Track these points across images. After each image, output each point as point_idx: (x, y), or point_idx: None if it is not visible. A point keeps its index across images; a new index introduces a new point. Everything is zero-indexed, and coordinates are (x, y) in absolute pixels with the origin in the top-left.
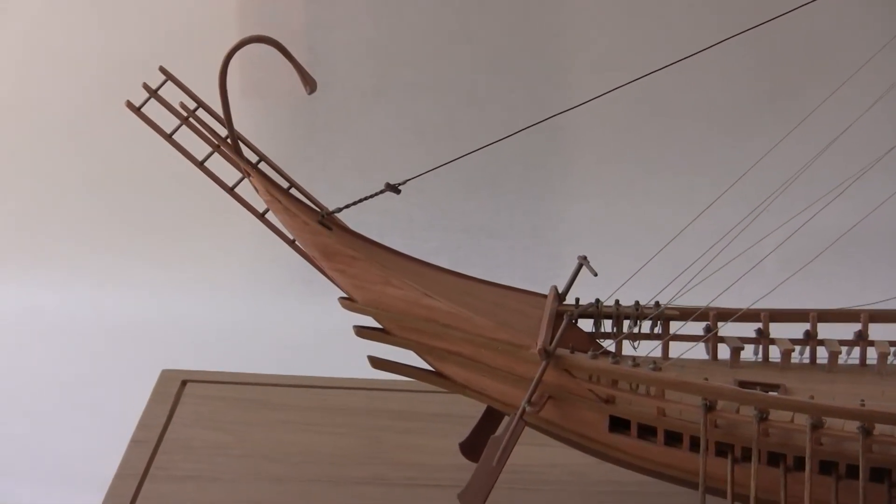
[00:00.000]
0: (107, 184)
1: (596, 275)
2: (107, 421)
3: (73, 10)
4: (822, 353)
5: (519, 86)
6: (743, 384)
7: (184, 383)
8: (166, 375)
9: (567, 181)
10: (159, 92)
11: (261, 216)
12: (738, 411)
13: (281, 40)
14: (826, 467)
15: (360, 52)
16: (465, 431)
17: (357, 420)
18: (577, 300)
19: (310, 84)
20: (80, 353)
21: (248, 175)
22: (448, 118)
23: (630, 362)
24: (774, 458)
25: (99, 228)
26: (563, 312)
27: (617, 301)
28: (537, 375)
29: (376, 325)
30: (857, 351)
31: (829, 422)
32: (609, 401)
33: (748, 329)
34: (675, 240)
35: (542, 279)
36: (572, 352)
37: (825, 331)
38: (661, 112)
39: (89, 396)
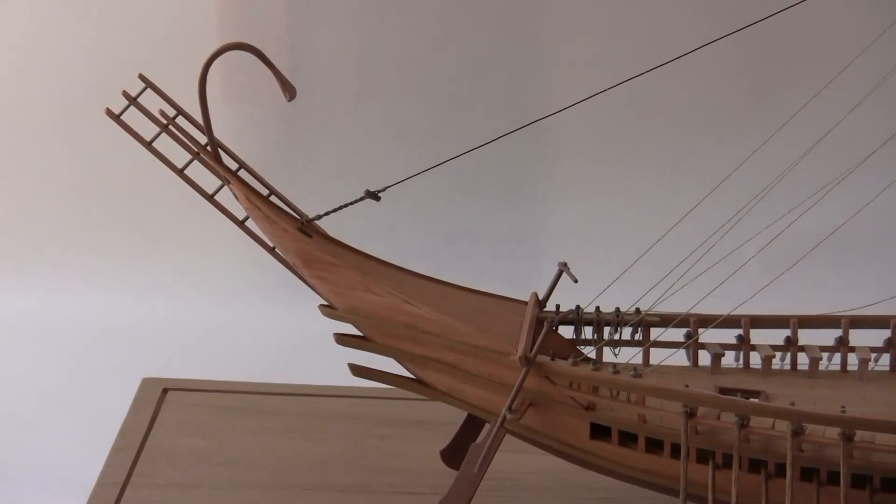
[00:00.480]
0: (90, 188)
1: (576, 281)
2: (89, 426)
3: (56, 15)
4: (804, 359)
5: (502, 89)
6: (724, 391)
7: (165, 391)
8: (147, 383)
9: (549, 185)
10: (139, 99)
11: (241, 223)
12: (718, 418)
13: (262, 44)
14: (807, 473)
15: (342, 55)
16: (446, 438)
17: (339, 427)
18: (558, 306)
19: (289, 91)
20: (63, 358)
21: (228, 182)
22: (431, 122)
23: (611, 369)
24: (756, 465)
25: (82, 232)
26: (543, 319)
27: (598, 307)
28: (518, 382)
29: (357, 332)
30: (838, 357)
31: (810, 428)
32: (590, 407)
33: (729, 335)
34: (657, 244)
35: (523, 285)
36: (553, 358)
37: (806, 336)
38: (644, 115)
39: (72, 401)
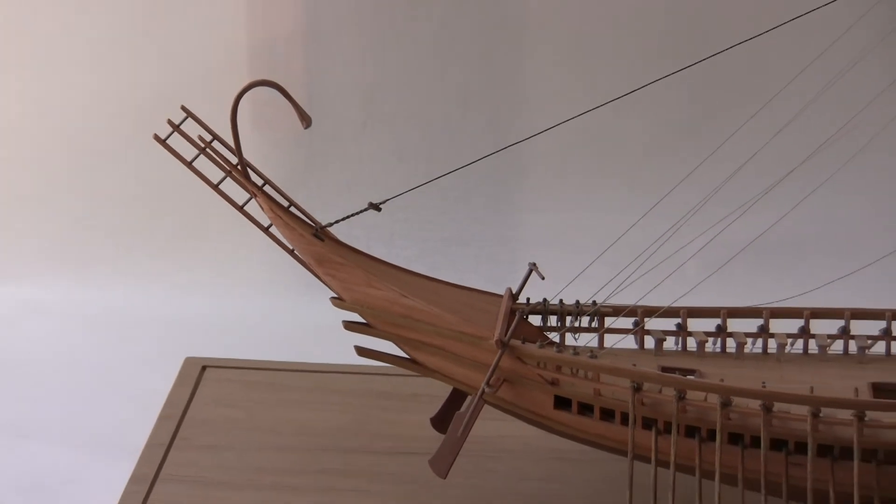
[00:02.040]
0: (141, 201)
1: (543, 278)
2: (141, 398)
3: (112, 55)
4: (732, 344)
5: (484, 118)
6: (665, 369)
7: (203, 368)
8: (189, 362)
9: (523, 198)
10: (181, 127)
11: (266, 230)
12: (660, 392)
13: (283, 80)
14: (734, 438)
15: (350, 90)
16: (435, 408)
17: (347, 399)
18: (528, 299)
19: (305, 120)
20: (118, 342)
21: (255, 196)
22: (425, 145)
23: (572, 351)
24: (691, 431)
25: (134, 237)
26: (516, 310)
27: (561, 300)
28: (494, 362)
29: (361, 320)
30: (760, 342)
31: (737, 401)
32: (554, 383)
33: (670, 323)
34: (611, 248)
35: (501, 281)
36: (523, 342)
37: (734, 325)
38: (601, 140)
39: (125, 378)
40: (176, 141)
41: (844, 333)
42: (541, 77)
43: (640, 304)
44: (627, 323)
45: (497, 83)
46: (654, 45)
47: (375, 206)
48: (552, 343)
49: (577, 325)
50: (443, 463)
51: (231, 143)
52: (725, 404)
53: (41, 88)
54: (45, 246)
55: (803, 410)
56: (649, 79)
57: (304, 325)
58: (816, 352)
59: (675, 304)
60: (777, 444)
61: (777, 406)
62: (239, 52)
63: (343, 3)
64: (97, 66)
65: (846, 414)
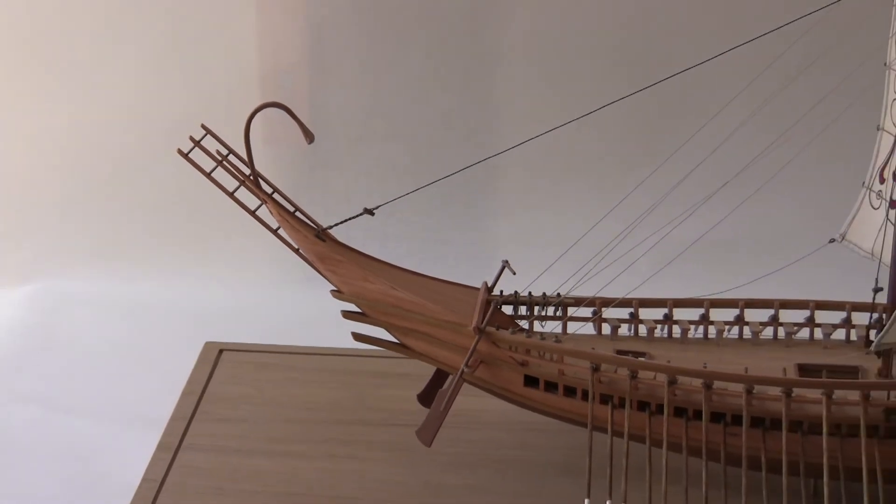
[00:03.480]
0: (166, 207)
1: (514, 273)
2: (166, 378)
3: (145, 82)
4: (677, 330)
5: (463, 135)
6: (620, 352)
7: (221, 351)
8: (208, 346)
9: (497, 204)
10: (202, 142)
11: (275, 231)
12: (616, 372)
13: (290, 101)
14: (679, 412)
15: (348, 110)
16: (421, 386)
17: (345, 378)
18: (501, 292)
19: (309, 136)
20: (145, 328)
21: (265, 202)
22: (412, 159)
23: (539, 337)
24: (642, 406)
25: (162, 239)
26: (491, 301)
27: (530, 292)
28: (472, 346)
29: (358, 310)
30: (702, 328)
31: (682, 379)
32: (524, 364)
33: (624, 312)
34: (574, 246)
35: (478, 276)
36: (497, 329)
37: (679, 313)
38: (566, 153)
39: (152, 360)
40: (197, 155)
41: (774, 321)
42: (511, 100)
43: (598, 295)
44: (587, 312)
45: (474, 105)
46: (612, 71)
47: (369, 211)
48: (522, 329)
49: (543, 314)
50: (428, 433)
51: (245, 156)
52: (672, 382)
53: (86, 109)
54: (87, 246)
55: (739, 388)
56: (608, 100)
57: (307, 313)
58: (750, 337)
59: (628, 296)
60: (716, 417)
61: (716, 384)
62: (252, 79)
63: (342, 36)
64: (133, 90)
65: (776, 390)
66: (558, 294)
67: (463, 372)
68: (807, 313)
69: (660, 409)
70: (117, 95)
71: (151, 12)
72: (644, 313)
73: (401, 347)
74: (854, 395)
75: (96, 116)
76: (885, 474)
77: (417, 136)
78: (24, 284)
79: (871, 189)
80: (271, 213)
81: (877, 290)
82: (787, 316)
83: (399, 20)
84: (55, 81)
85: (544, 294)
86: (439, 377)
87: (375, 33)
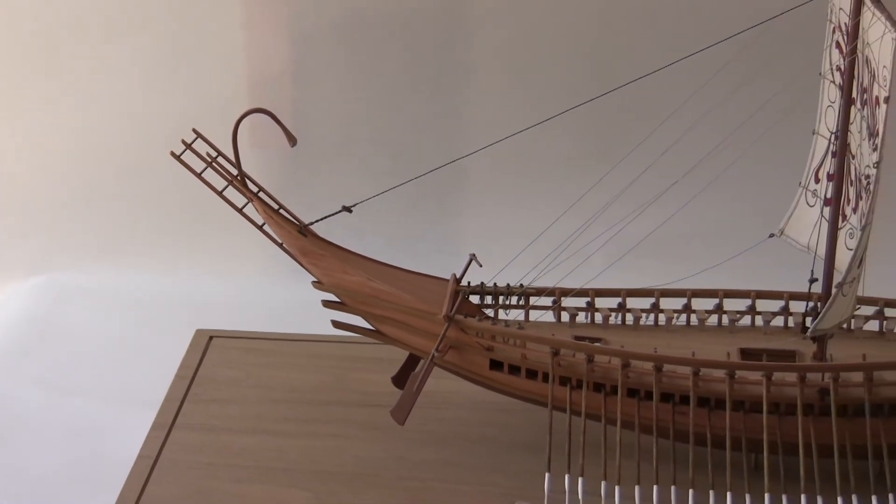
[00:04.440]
0: (163, 206)
1: (481, 266)
2: (160, 362)
3: (142, 90)
4: (630, 318)
5: (435, 138)
6: (577, 338)
7: (211, 338)
8: (199, 333)
9: (465, 203)
10: (193, 145)
11: (260, 227)
12: (574, 356)
13: (275, 108)
14: (632, 393)
15: (329, 116)
16: (395, 370)
17: (326, 362)
18: (469, 283)
19: (292, 140)
20: (143, 317)
21: (252, 200)
22: (388, 161)
23: (503, 324)
24: (598, 387)
25: (157, 235)
26: (459, 291)
27: (495, 283)
28: (442, 332)
29: (337, 300)
30: (653, 316)
31: (634, 363)
32: (489, 349)
33: (581, 301)
34: (534, 242)
35: (448, 269)
36: (465, 317)
37: (632, 302)
38: (528, 155)
39: (148, 346)
40: (190, 157)
41: (719, 309)
42: (479, 107)
43: (557, 286)
44: (547, 301)
45: (445, 112)
46: (571, 80)
47: (347, 209)
48: (488, 317)
49: (507, 303)
50: (401, 413)
51: (233, 158)
52: (625, 365)
53: (89, 116)
54: (89, 241)
55: (686, 370)
56: (568, 106)
57: (291, 303)
58: (697, 324)
59: (585, 286)
60: (666, 397)
61: (666, 367)
62: (241, 88)
63: (323, 49)
64: (133, 99)
65: (720, 373)
66: (521, 285)
67: (433, 356)
68: (748, 302)
69: (614, 390)
70: (118, 103)
71: (150, 28)
72: (600, 302)
73: (376, 334)
74: (791, 377)
75: (99, 123)
76: (819, 449)
77: (393, 141)
78: (30, 277)
79: (807, 188)
80: (257, 211)
81: (812, 280)
82: (730, 304)
83: (376, 35)
84: (62, 91)
85: (508, 285)
86: (412, 361)
87: (354, 47)
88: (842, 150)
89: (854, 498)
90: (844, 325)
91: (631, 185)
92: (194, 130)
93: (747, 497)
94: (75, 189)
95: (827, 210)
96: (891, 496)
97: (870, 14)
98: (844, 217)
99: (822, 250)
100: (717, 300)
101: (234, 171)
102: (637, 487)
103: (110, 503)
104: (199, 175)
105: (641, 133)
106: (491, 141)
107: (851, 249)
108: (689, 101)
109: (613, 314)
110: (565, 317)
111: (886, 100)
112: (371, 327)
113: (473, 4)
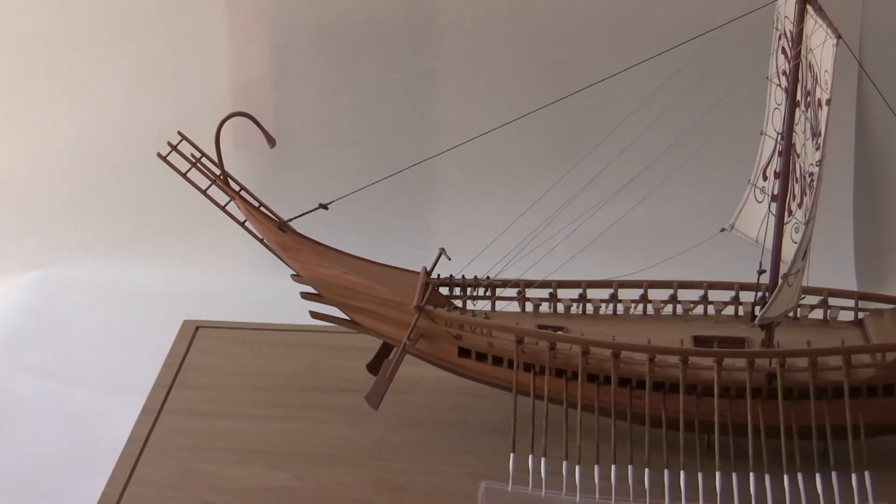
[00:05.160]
0: (153, 204)
1: (450, 259)
2: (149, 352)
3: (133, 96)
4: (591, 307)
5: (407, 139)
6: (540, 327)
7: (197, 328)
8: (186, 323)
9: (436, 199)
10: (179, 147)
11: (242, 224)
12: (537, 344)
13: (256, 111)
14: (592, 378)
15: (308, 119)
16: (369, 357)
17: (304, 350)
18: (439, 275)
19: (271, 141)
20: (134, 309)
21: (234, 199)
22: (363, 161)
23: (471, 314)
24: (560, 373)
25: (148, 231)
26: (429, 283)
27: (463, 275)
28: (413, 322)
29: (314, 291)
30: (611, 306)
31: (593, 350)
32: (458, 338)
33: (545, 292)
34: (500, 236)
35: (419, 262)
36: (435, 307)
37: (592, 293)
38: (495, 155)
39: (139, 336)
40: (177, 158)
41: (673, 299)
42: (448, 110)
43: (522, 277)
44: (512, 292)
45: (416, 115)
46: (535, 84)
47: (324, 206)
48: (456, 307)
49: (475, 294)
50: (375, 398)
51: (216, 158)
52: (585, 352)
53: (84, 121)
54: (84, 238)
55: (643, 357)
56: (531, 109)
57: (272, 295)
58: (652, 313)
59: (548, 278)
60: (623, 382)
61: (623, 353)
62: (224, 92)
63: (303, 55)
64: (122, 102)
65: (674, 359)
66: (487, 277)
67: (405, 344)
68: (701, 292)
69: (575, 375)
70: (109, 108)
71: (140, 38)
72: (562, 293)
73: (352, 324)
74: (741, 363)
75: (92, 127)
76: (767, 430)
77: (368, 141)
78: (28, 272)
79: (755, 186)
80: (239, 209)
81: (760, 272)
82: (684, 295)
83: (352, 42)
84: (57, 97)
85: (475, 277)
86: (385, 349)
87: (331, 53)
88: (787, 149)
89: (799, 476)
90: (791, 314)
91: (591, 182)
92: (179, 133)
93: (700, 475)
94: (70, 189)
95: (774, 206)
96: (833, 474)
97: (812, 21)
98: (790, 212)
99: (769, 243)
100: (671, 291)
101: (218, 171)
102: (596, 467)
103: (102, 483)
104: (184, 175)
105: (600, 133)
106: (460, 141)
107: (796, 242)
108: (644, 103)
109: (575, 304)
110: (529, 307)
111: (828, 102)
112: (347, 317)
113: (443, 14)
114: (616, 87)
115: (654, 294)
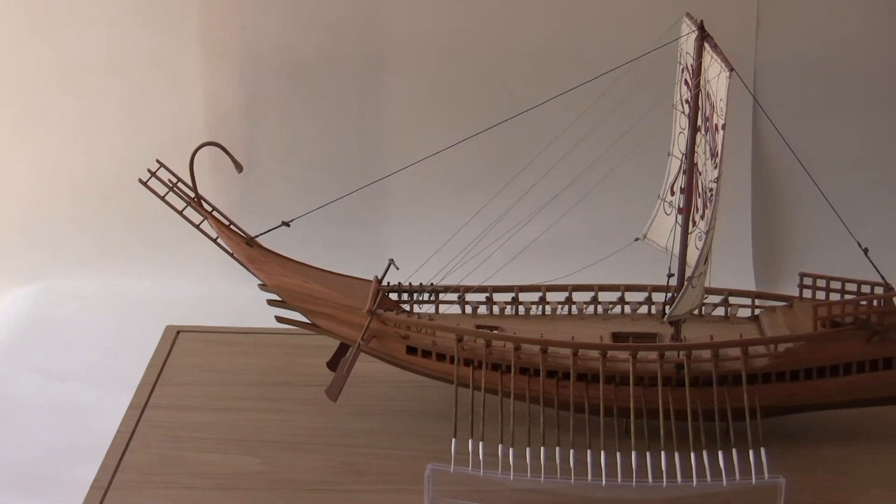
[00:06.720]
0: (130, 223)
1: (398, 269)
2: (135, 353)
3: (117, 125)
4: (523, 309)
5: (362, 161)
6: (479, 326)
7: (178, 332)
8: (169, 328)
9: (387, 215)
10: (158, 173)
11: (214, 240)
12: (475, 342)
13: (226, 142)
14: (524, 371)
15: (273, 146)
16: (329, 355)
17: (273, 350)
18: (388, 282)
19: (238, 167)
20: (123, 315)
21: (207, 218)
22: (323, 181)
23: (417, 316)
24: (496, 367)
25: (134, 247)
26: (380, 289)
27: (410, 282)
28: (366, 324)
29: (279, 298)
30: (541, 307)
31: (524, 346)
32: (405, 337)
33: (482, 296)
34: (443, 247)
35: (372, 271)
36: (385, 311)
37: (524, 296)
38: (440, 176)
39: (127, 339)
40: (156, 183)
41: (594, 300)
42: (398, 135)
43: (461, 283)
44: (454, 296)
45: (371, 139)
46: (475, 110)
47: (286, 223)
48: (404, 311)
49: (420, 298)
50: (334, 391)
51: (190, 183)
52: (517, 349)
53: (80, 149)
54: (79, 254)
55: (568, 351)
56: (472, 132)
57: (244, 302)
58: (577, 313)
59: (484, 283)
60: (551, 374)
61: (550, 349)
62: (200, 123)
63: (268, 86)
64: (112, 133)
65: (595, 353)
66: (431, 283)
67: (360, 344)
68: (619, 294)
69: (508, 369)
70: (101, 138)
71: (123, 75)
72: (497, 296)
73: (312, 326)
74: (653, 355)
75: (86, 155)
76: (676, 414)
77: (326, 165)
78: (31, 283)
79: (664, 200)
80: (212, 227)
81: (670, 275)
82: (604, 296)
83: (311, 77)
84: (55, 129)
85: (421, 283)
86: (342, 348)
87: (293, 87)
88: (690, 168)
89: (705, 453)
90: (696, 312)
91: (522, 197)
92: (158, 161)
93: (618, 454)
94: (68, 210)
95: (680, 218)
96: (734, 451)
97: (709, 56)
98: (694, 223)
99: (677, 250)
100: (593, 293)
101: (192, 194)
102: (528, 449)
103: (95, 469)
104: (162, 198)
105: (531, 153)
106: (409, 163)
107: (699, 249)
108: (569, 127)
109: (508, 306)
110: (469, 309)
111: (723, 126)
112: (308, 321)
113: (391, 52)
114: (546, 112)
115: (577, 296)
